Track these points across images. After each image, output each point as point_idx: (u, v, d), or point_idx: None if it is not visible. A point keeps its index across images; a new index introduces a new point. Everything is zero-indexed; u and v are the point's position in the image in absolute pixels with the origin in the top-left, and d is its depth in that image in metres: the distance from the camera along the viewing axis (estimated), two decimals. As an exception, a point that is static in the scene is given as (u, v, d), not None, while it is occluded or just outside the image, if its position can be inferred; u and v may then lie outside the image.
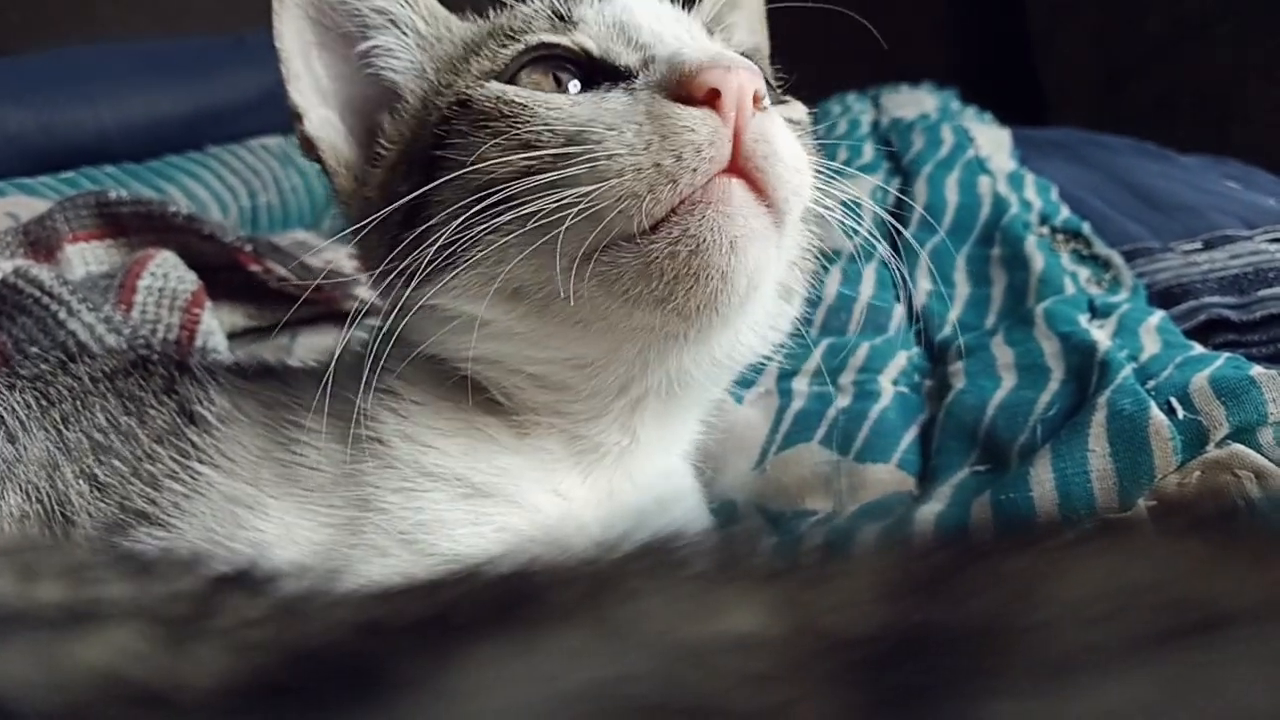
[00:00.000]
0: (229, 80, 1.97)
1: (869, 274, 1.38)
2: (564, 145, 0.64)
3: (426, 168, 0.71)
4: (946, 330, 1.21)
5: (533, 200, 0.63)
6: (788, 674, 0.23)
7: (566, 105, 0.68)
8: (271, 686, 0.25)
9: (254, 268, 1.29)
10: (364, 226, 0.73)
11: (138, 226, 1.33)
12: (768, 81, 0.77)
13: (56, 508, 0.71)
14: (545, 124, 0.67)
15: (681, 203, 0.62)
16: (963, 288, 1.32)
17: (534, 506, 0.72)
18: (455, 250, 0.66)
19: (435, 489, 0.71)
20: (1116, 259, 1.27)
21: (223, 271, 1.29)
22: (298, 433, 0.71)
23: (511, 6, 0.79)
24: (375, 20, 0.80)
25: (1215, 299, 1.11)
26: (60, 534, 0.69)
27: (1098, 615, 0.22)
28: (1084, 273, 1.26)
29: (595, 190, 0.61)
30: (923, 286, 1.32)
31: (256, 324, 1.32)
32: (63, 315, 1.07)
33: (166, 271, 1.20)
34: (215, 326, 1.20)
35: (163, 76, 1.97)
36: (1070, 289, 1.19)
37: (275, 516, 0.71)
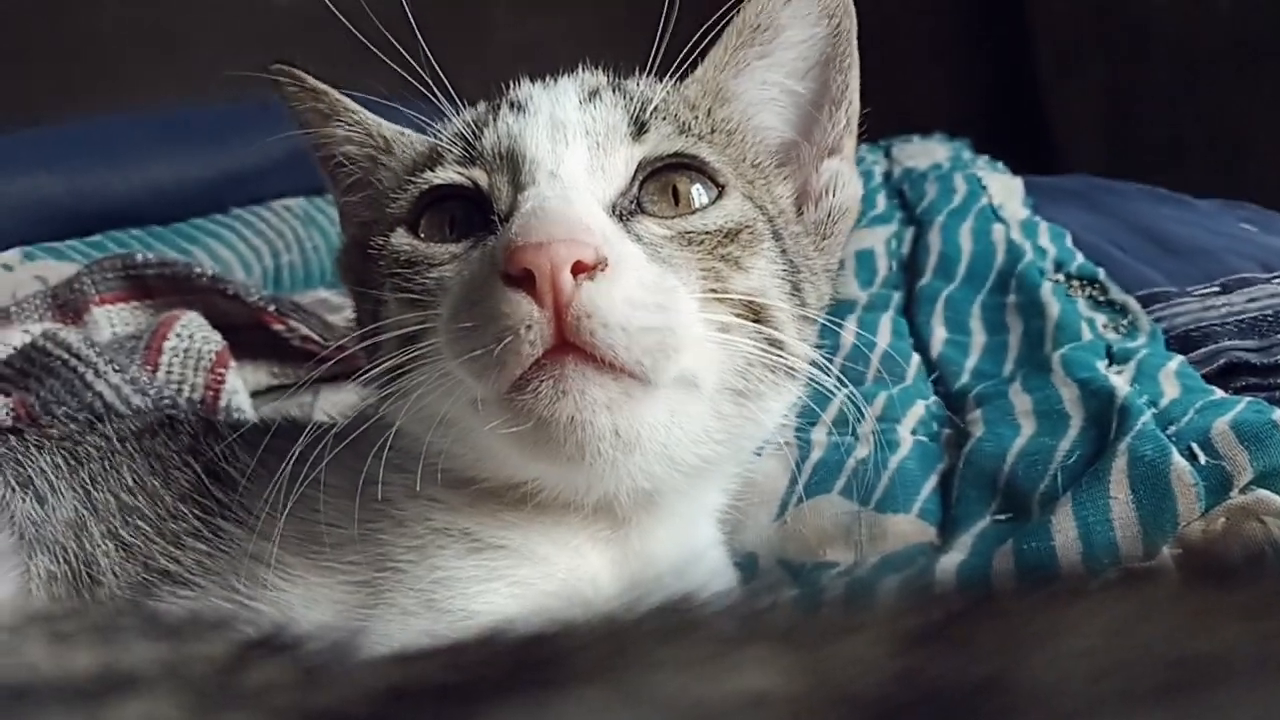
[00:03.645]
0: (252, 144, 2.01)
1: (884, 323, 1.38)
2: (449, 303, 0.67)
3: (375, 301, 0.75)
4: (964, 378, 1.20)
5: (427, 354, 0.66)
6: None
7: (445, 259, 0.70)
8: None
9: (277, 327, 1.31)
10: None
11: (163, 288, 1.36)
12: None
13: (83, 568, 0.72)
14: (436, 281, 0.69)
15: (522, 375, 0.62)
16: (979, 336, 1.32)
17: (544, 559, 0.72)
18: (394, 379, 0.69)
19: (446, 545, 0.71)
20: (1133, 304, 1.27)
21: (247, 331, 1.31)
22: (316, 491, 0.72)
23: (446, 120, 0.78)
24: (333, 151, 0.84)
25: (1234, 342, 1.11)
26: (87, 594, 0.70)
27: (1103, 668, 0.22)
28: (1101, 318, 1.26)
29: (455, 364, 0.64)
30: (939, 335, 1.32)
31: (280, 382, 1.33)
32: (90, 377, 1.08)
33: (192, 332, 1.22)
34: (240, 386, 1.21)
35: (187, 142, 2.01)
36: (1087, 335, 1.19)
37: (297, 575, 0.71)
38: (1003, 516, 0.91)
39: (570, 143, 0.70)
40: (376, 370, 0.70)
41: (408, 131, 0.82)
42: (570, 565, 0.72)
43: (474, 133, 0.74)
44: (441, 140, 0.76)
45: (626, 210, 0.69)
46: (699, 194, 0.72)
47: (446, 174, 0.73)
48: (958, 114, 2.80)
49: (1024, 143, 2.70)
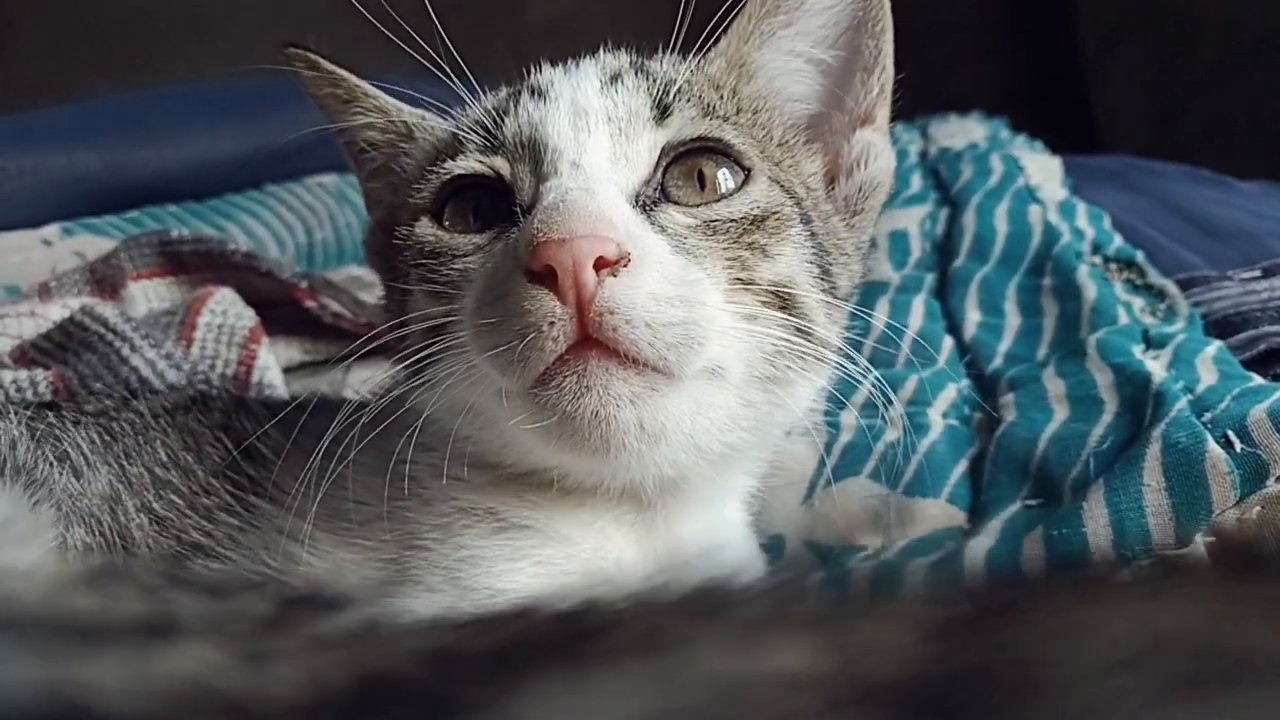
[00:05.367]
0: (286, 121, 2.02)
1: (917, 305, 1.37)
2: (473, 296, 0.66)
3: (402, 290, 0.74)
4: (997, 362, 1.19)
5: (454, 346, 0.66)
6: (830, 713, 0.23)
7: (470, 250, 0.69)
8: (346, 706, 0.26)
9: (309, 303, 1.32)
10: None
11: (198, 264, 1.38)
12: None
13: (118, 540, 0.74)
14: (460, 272, 0.69)
15: (546, 370, 0.61)
16: (1013, 318, 1.30)
17: (568, 539, 0.72)
18: (421, 368, 0.69)
19: (472, 525, 0.72)
20: (1171, 288, 1.25)
21: (279, 307, 1.32)
22: (345, 469, 0.72)
23: (465, 107, 0.77)
24: (354, 136, 0.84)
25: (1275, 328, 1.09)
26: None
27: (1130, 660, 0.22)
28: (1138, 302, 1.24)
29: (480, 359, 0.64)
30: (972, 318, 1.31)
31: (312, 358, 1.34)
32: (126, 352, 1.10)
33: (225, 308, 1.23)
34: (272, 362, 1.22)
35: (222, 118, 2.02)
36: (1124, 319, 1.17)
37: (325, 551, 0.72)
38: (1034, 502, 0.91)
39: (592, 130, 0.69)
40: (406, 360, 0.70)
41: (429, 115, 0.81)
42: (595, 546, 0.72)
43: (495, 120, 0.73)
44: (462, 127, 0.75)
45: (650, 199, 0.68)
46: (725, 178, 0.70)
47: (468, 163, 0.72)
48: (997, 92, 2.75)
49: (1064, 122, 2.66)
